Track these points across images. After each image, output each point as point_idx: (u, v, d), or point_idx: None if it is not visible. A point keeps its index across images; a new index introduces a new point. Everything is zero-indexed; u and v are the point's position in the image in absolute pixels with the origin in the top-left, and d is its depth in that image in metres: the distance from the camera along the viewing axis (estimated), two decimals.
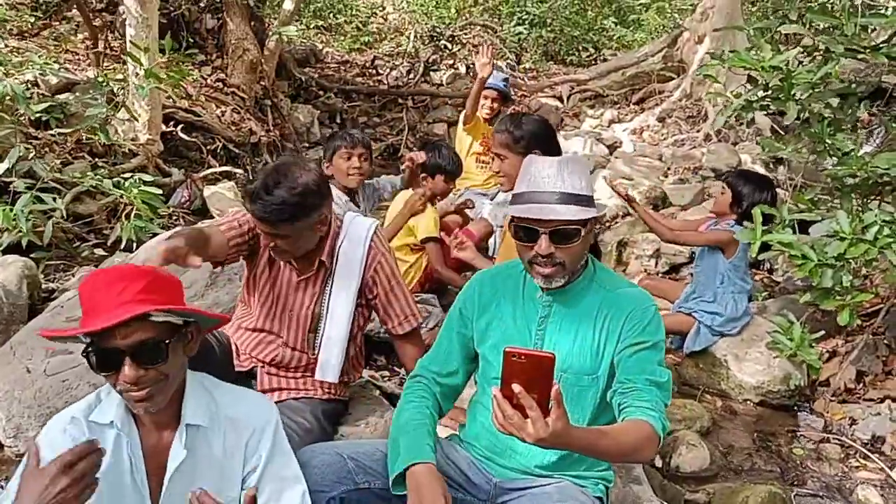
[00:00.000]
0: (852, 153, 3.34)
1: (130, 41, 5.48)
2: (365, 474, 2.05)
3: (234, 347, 2.72)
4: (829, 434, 3.52)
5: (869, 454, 3.34)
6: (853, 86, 3.60)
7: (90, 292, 1.59)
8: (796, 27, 3.25)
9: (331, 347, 2.61)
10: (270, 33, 8.52)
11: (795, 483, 3.13)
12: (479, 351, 2.17)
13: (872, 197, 3.62)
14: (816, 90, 3.40)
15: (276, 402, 2.52)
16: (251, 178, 2.43)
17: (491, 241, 4.64)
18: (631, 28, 13.95)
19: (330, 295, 2.60)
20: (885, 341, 4.07)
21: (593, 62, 12.93)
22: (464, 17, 12.34)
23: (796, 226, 3.62)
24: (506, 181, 3.00)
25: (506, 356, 1.48)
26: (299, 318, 2.62)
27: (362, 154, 3.78)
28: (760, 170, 6.52)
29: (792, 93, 3.25)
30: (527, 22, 12.49)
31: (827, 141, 3.39)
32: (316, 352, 2.62)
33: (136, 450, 1.70)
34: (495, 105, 5.27)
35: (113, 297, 1.55)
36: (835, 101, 3.36)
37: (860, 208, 3.53)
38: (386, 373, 3.58)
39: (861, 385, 3.88)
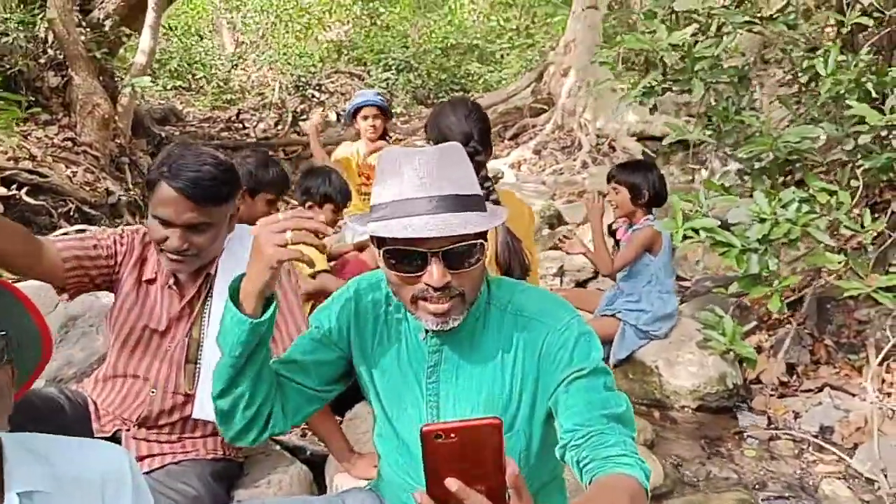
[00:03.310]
0: (761, 131, 3.17)
1: None
2: None
3: (93, 407, 2.19)
4: (776, 430, 3.27)
5: (823, 446, 3.11)
6: (745, 67, 3.47)
7: None
8: (693, 2, 3.09)
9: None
10: (122, 86, 7.91)
11: (756, 487, 2.84)
12: (366, 396, 1.65)
13: (783, 177, 3.48)
14: (716, 69, 3.24)
15: (149, 472, 2.03)
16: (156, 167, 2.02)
17: None
18: (494, 70, 14.04)
19: (210, 314, 2.12)
20: (808, 330, 3.93)
21: None
22: (329, 66, 12.05)
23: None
24: None
25: (425, 440, 0.96)
26: (174, 351, 2.13)
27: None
28: None
29: (695, 69, 3.05)
30: (394, 67, 12.35)
31: (734, 118, 3.21)
32: (195, 386, 2.11)
33: None
34: (377, 122, 4.58)
35: None
36: (735, 76, 3.20)
37: (773, 189, 3.37)
38: None
39: (794, 377, 3.70)
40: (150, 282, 2.15)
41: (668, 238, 3.57)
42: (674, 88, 3.18)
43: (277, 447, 2.74)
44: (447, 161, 1.38)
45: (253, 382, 1.45)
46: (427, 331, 1.49)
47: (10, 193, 5.91)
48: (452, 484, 0.94)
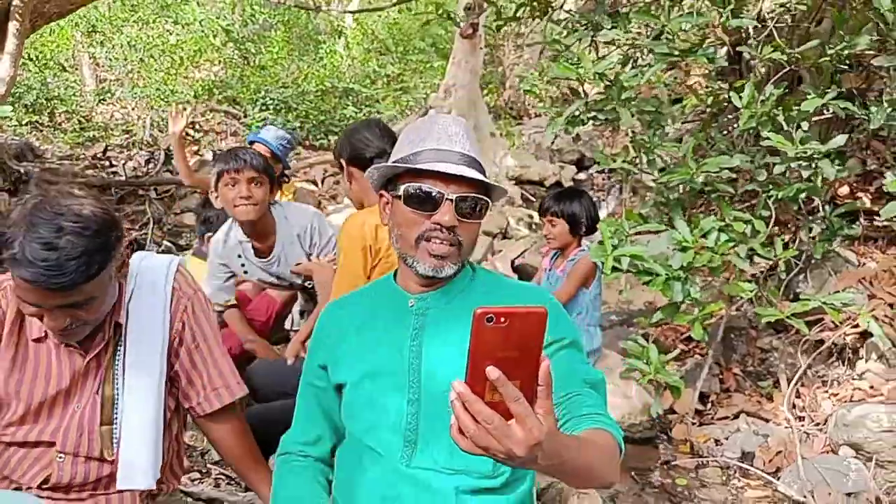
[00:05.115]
0: (683, 162, 3.23)
1: None
2: None
3: None
4: (701, 458, 3.27)
5: (749, 471, 3.13)
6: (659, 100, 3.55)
7: None
8: (614, 33, 3.13)
9: (136, 440, 1.80)
10: None
11: None
12: (342, 400, 1.63)
13: (697, 208, 3.56)
14: (635, 101, 3.29)
15: None
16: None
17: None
18: (371, 115, 13.94)
19: (123, 366, 1.82)
20: (714, 360, 4.00)
21: None
22: (203, 104, 11.61)
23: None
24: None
25: (477, 321, 0.92)
26: (84, 412, 1.80)
27: (253, 178, 2.74)
28: None
29: (622, 98, 3.08)
30: (271, 107, 12.07)
31: (656, 151, 3.26)
32: (115, 450, 1.81)
33: None
34: None
35: None
36: (657, 107, 3.25)
37: (690, 219, 3.43)
38: (195, 474, 2.77)
39: (708, 406, 3.74)
40: (40, 340, 1.79)
41: (600, 271, 3.51)
42: (599, 117, 3.19)
43: (190, 500, 2.48)
44: (468, 130, 1.58)
45: None
46: (414, 299, 1.59)
47: None
48: (493, 372, 0.92)
